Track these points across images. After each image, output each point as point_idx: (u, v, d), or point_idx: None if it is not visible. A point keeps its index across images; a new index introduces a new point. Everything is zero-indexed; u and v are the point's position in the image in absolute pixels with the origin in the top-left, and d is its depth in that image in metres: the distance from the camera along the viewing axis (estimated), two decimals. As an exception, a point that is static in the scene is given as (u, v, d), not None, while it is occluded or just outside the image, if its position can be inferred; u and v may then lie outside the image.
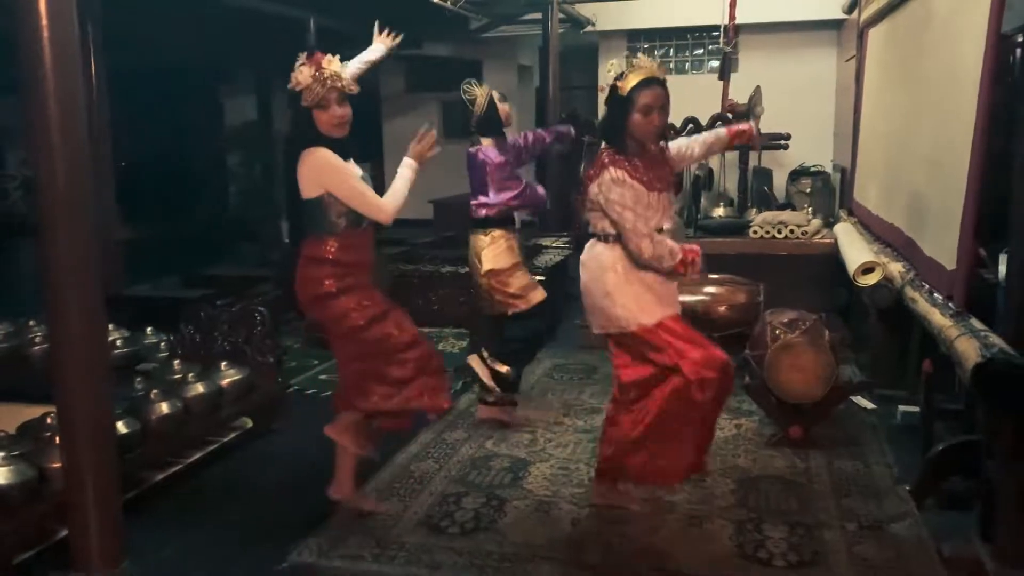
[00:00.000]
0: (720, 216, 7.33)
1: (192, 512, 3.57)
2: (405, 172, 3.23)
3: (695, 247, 3.17)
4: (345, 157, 3.17)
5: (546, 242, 7.38)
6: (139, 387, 3.91)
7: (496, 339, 4.42)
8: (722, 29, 6.31)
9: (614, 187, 3.00)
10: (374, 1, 7.63)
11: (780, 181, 8.53)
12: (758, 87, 6.44)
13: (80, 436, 2.97)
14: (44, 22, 2.76)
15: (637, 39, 9.62)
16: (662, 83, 3.02)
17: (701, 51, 9.66)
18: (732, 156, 8.27)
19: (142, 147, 9.15)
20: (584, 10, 9.31)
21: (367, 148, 10.00)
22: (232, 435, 4.20)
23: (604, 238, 3.15)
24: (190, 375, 3.97)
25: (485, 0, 8.96)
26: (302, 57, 3.11)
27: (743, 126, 3.45)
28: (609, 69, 3.07)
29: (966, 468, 3.26)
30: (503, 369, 4.29)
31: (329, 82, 3.02)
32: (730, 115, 6.39)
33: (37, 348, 4.70)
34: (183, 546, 3.28)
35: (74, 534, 3.01)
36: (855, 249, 5.02)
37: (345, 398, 3.38)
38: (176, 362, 4.20)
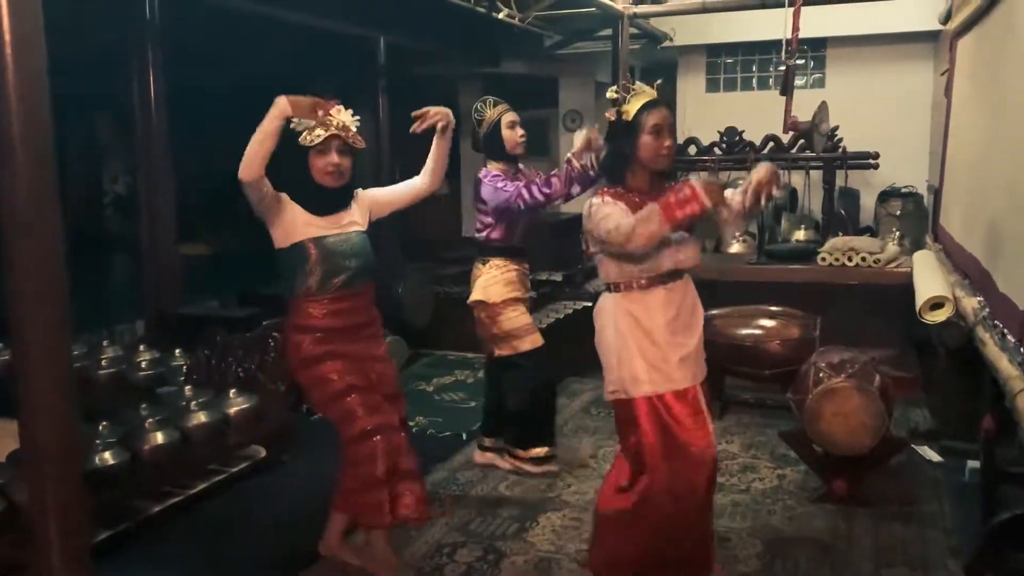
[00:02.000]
0: (800, 240, 6.86)
1: (184, 547, 3.43)
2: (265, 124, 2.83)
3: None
4: (332, 209, 2.99)
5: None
6: (143, 413, 3.78)
7: (510, 394, 3.99)
8: (784, 42, 5.86)
9: (602, 208, 2.68)
10: (445, 19, 7.56)
11: (870, 202, 7.98)
12: (823, 103, 5.98)
13: (43, 464, 2.84)
14: (7, 37, 2.67)
15: (717, 54, 9.20)
16: (667, 105, 2.73)
17: (798, 67, 9.15)
18: (817, 175, 7.78)
19: (208, 165, 9.28)
20: (662, 25, 8.95)
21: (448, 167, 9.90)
22: (241, 465, 4.05)
23: (608, 287, 2.82)
24: (193, 403, 3.84)
25: (558, 16, 8.74)
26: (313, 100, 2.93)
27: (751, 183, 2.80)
28: (610, 95, 2.76)
29: (1032, 543, 2.80)
30: (537, 453, 3.96)
31: (334, 128, 2.88)
32: (792, 132, 5.93)
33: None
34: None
35: (36, 570, 2.89)
36: (928, 280, 4.53)
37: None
38: (188, 388, 4.07)
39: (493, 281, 3.85)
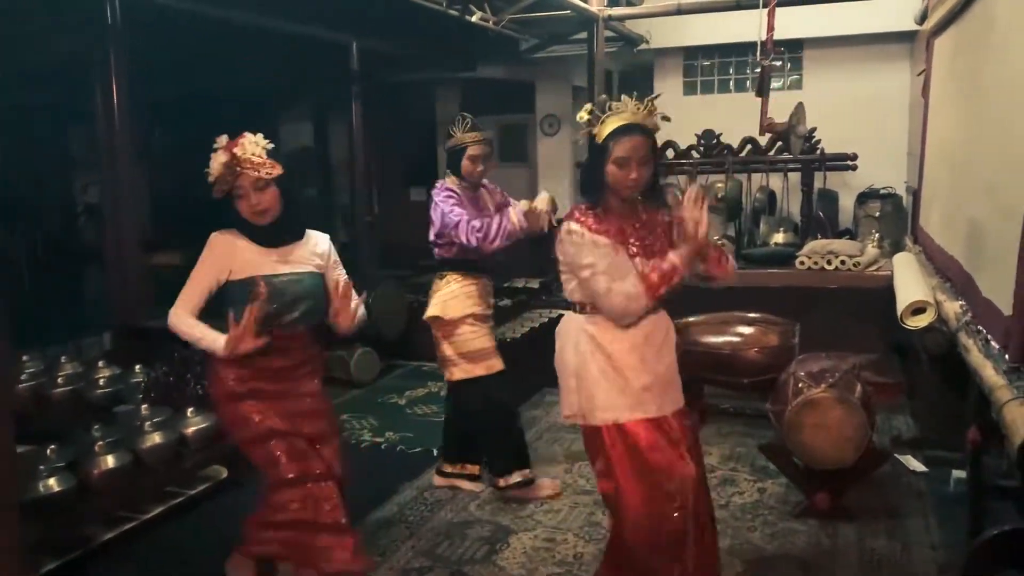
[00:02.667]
0: (779, 243, 6.75)
1: (140, 574, 3.25)
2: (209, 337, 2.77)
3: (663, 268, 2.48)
4: (278, 242, 2.82)
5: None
6: (95, 435, 3.61)
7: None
8: (759, 44, 5.77)
9: (583, 249, 2.51)
10: (419, 23, 7.42)
11: (849, 204, 7.90)
12: (800, 104, 5.88)
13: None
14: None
15: (695, 56, 9.12)
16: (644, 130, 2.50)
17: (774, 68, 9.06)
18: (795, 177, 7.70)
19: (182, 174, 9.07)
20: (638, 27, 8.86)
21: (423, 173, 9.73)
22: (201, 487, 3.88)
23: (573, 306, 2.66)
24: (148, 424, 3.66)
25: (533, 20, 8.63)
26: (221, 140, 2.76)
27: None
28: (581, 117, 2.59)
29: (1022, 560, 2.67)
30: (508, 480, 3.77)
31: (239, 169, 2.69)
32: (768, 134, 5.83)
33: (23, 385, 4.50)
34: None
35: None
36: (909, 284, 4.41)
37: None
38: (144, 407, 3.90)
39: (451, 295, 3.66)
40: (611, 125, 2.49)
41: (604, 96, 2.62)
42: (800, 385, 3.44)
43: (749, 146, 7.43)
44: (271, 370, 2.81)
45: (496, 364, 3.68)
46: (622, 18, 8.24)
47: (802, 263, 5.41)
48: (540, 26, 8.63)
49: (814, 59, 8.51)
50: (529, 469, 3.80)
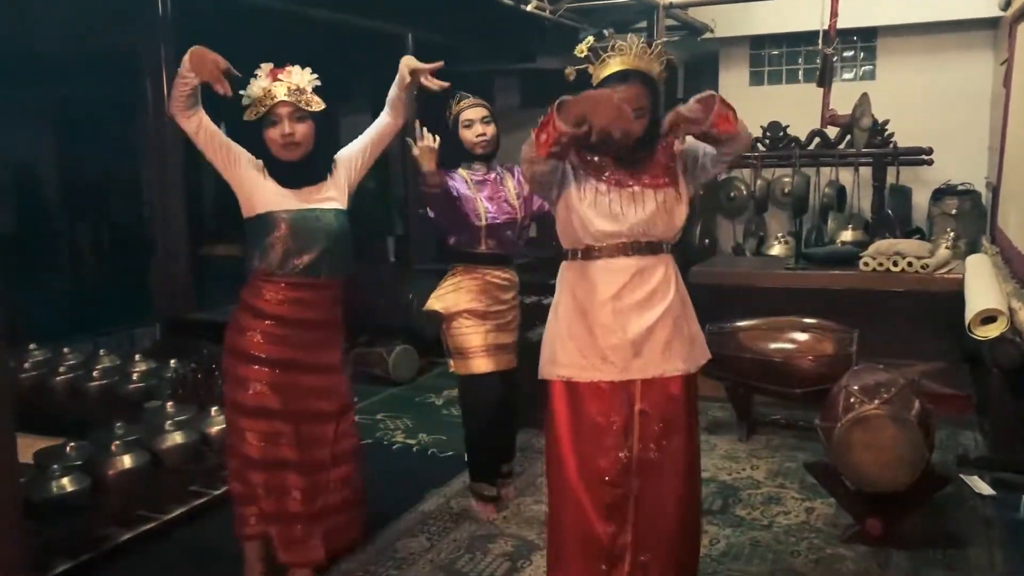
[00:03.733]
0: (847, 241, 6.42)
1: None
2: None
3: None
4: (301, 182, 2.71)
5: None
6: (117, 432, 3.55)
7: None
8: (821, 32, 5.45)
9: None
10: (475, 14, 7.27)
11: (923, 201, 7.49)
12: (864, 95, 5.54)
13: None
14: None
15: (761, 45, 8.75)
16: (644, 78, 2.29)
17: (835, 57, 8.65)
18: (866, 172, 7.32)
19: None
20: (702, 15, 8.55)
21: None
22: (225, 487, 3.78)
23: (564, 253, 2.48)
24: (169, 422, 3.59)
25: (591, 8, 8.42)
26: (264, 67, 2.68)
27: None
28: (580, 50, 2.39)
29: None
30: (480, 489, 3.61)
31: (281, 95, 2.60)
32: (830, 126, 5.50)
33: (60, 378, 4.51)
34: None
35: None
36: (980, 290, 4.09)
37: None
38: (169, 404, 3.84)
39: (447, 290, 3.48)
40: (609, 68, 2.31)
41: (610, 31, 2.42)
42: (852, 400, 3.16)
43: (818, 139, 7.09)
44: (292, 323, 2.71)
45: (487, 364, 3.42)
46: (684, 6, 7.97)
47: (866, 264, 5.07)
48: (599, 15, 8.42)
49: (889, 48, 8.08)
50: (494, 486, 3.63)
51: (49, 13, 5.67)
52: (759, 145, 7.32)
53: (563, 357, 2.36)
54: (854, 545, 3.21)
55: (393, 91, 2.90)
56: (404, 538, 3.38)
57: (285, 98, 2.62)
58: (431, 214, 3.41)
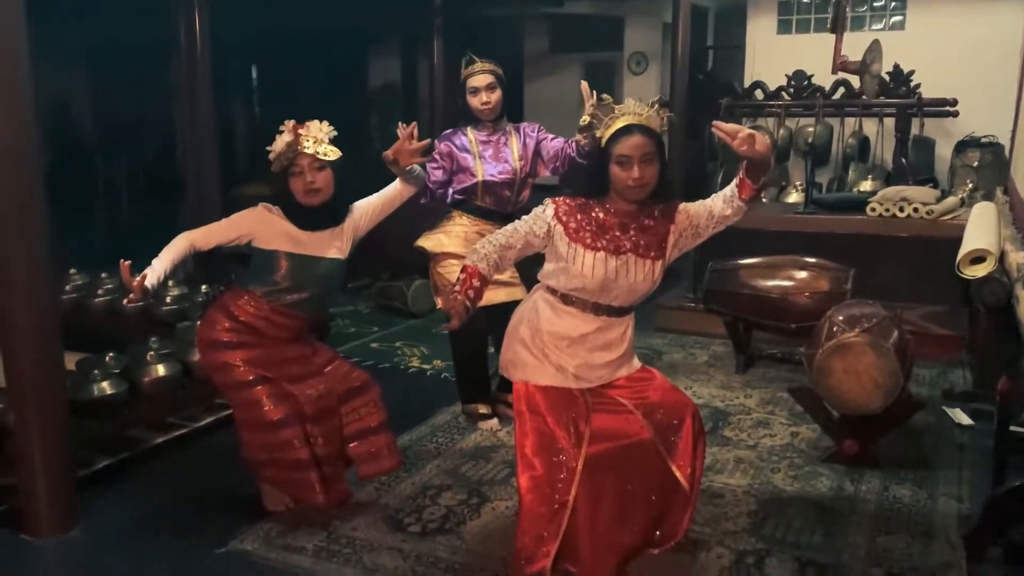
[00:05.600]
0: (866, 190, 6.49)
1: (174, 479, 3.46)
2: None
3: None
4: (318, 225, 2.94)
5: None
6: (152, 346, 3.84)
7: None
8: (836, -25, 5.48)
9: (527, 217, 2.55)
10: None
11: (947, 153, 7.50)
12: (876, 41, 5.57)
13: (27, 393, 2.92)
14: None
15: (790, -7, 8.73)
16: (647, 131, 2.44)
17: (864, 7, 8.63)
18: (890, 123, 7.35)
19: (269, 106, 9.27)
20: (732, -38, 8.55)
21: (509, 111, 9.75)
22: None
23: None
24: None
25: (621, -46, 8.45)
26: (288, 124, 2.89)
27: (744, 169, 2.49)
28: (584, 120, 2.57)
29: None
30: (473, 409, 3.93)
31: (300, 147, 2.84)
32: (841, 72, 5.56)
33: (98, 300, 4.80)
34: (146, 514, 3.17)
35: (21, 497, 2.98)
36: (976, 234, 4.21)
37: None
38: (198, 323, 4.10)
39: (437, 231, 3.76)
40: (614, 127, 2.46)
41: (606, 96, 2.57)
42: (835, 329, 3.34)
43: (842, 88, 7.12)
44: (261, 335, 2.96)
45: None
46: (712, -48, 7.97)
47: (873, 210, 5.19)
48: (628, -40, 8.43)
49: (918, -2, 8.02)
50: (487, 405, 3.92)
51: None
52: (783, 94, 7.37)
53: (523, 361, 2.59)
54: (832, 464, 3.41)
55: (393, 169, 3.07)
56: (414, 446, 3.65)
57: (306, 151, 2.84)
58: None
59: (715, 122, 2.44)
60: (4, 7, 2.72)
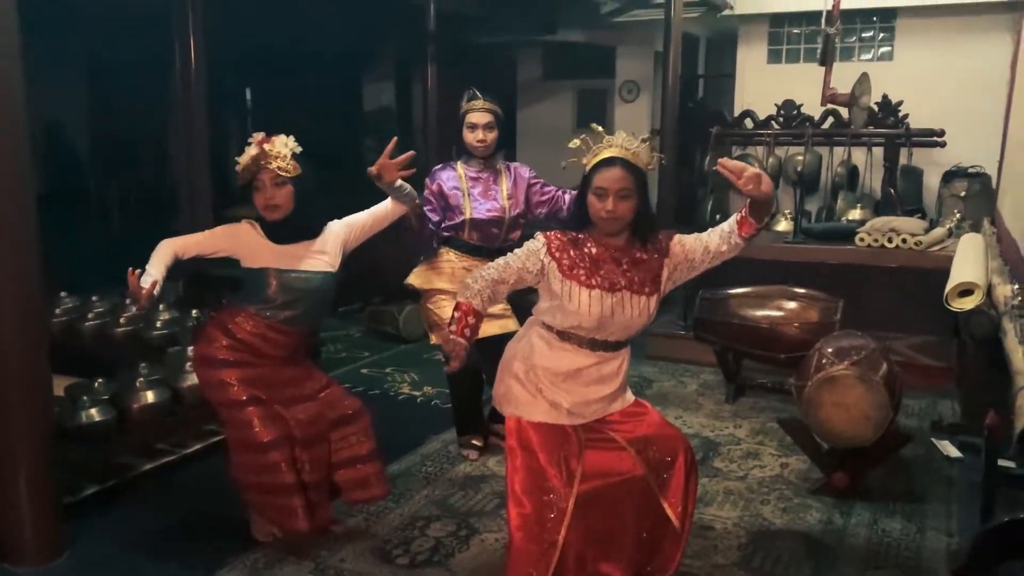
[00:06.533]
0: (855, 219, 6.54)
1: (162, 506, 3.44)
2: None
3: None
4: (288, 239, 2.93)
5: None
6: (141, 371, 3.82)
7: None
8: (824, 12, 5.56)
9: (518, 251, 2.54)
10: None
11: (935, 183, 7.57)
12: (864, 74, 5.64)
13: (12, 422, 2.90)
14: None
15: (781, 23, 8.83)
16: (629, 166, 2.43)
17: (853, 38, 8.73)
18: (879, 152, 7.41)
19: (263, 126, 9.30)
20: (722, -8, 8.64)
21: (501, 137, 9.81)
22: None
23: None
24: (189, 364, 3.85)
25: (612, -19, 8.54)
26: (256, 136, 2.90)
27: (746, 206, 2.49)
28: (575, 143, 2.56)
29: (1028, 551, 2.59)
30: (467, 440, 3.95)
31: (262, 162, 2.83)
32: (831, 104, 5.62)
33: (89, 323, 4.78)
34: (134, 541, 3.15)
35: (5, 525, 2.95)
36: (964, 266, 4.24)
37: None
38: (190, 348, 4.09)
39: (426, 268, 3.76)
40: (598, 157, 2.46)
41: (597, 126, 2.57)
42: (824, 361, 3.36)
43: (831, 118, 7.19)
44: (257, 354, 2.95)
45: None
46: (705, -19, 8.07)
47: (862, 240, 5.23)
48: (620, -12, 8.51)
49: (908, 29, 8.12)
50: (481, 437, 3.93)
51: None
52: (772, 123, 7.43)
53: (516, 397, 2.56)
54: (821, 496, 3.42)
55: (380, 185, 3.07)
56: (403, 476, 3.64)
57: (268, 166, 2.83)
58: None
59: (721, 160, 2.44)
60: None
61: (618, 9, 9.22)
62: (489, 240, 3.71)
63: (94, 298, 5.09)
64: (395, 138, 3.00)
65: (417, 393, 4.83)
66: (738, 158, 8.04)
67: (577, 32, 10.13)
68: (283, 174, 2.83)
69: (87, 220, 9.43)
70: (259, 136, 2.86)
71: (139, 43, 7.41)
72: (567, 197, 3.71)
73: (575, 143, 2.55)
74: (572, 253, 2.49)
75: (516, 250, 2.57)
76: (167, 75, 6.38)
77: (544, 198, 3.76)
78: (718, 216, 7.99)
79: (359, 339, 5.97)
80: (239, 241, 2.91)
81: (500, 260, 2.55)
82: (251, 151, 2.85)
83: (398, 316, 5.80)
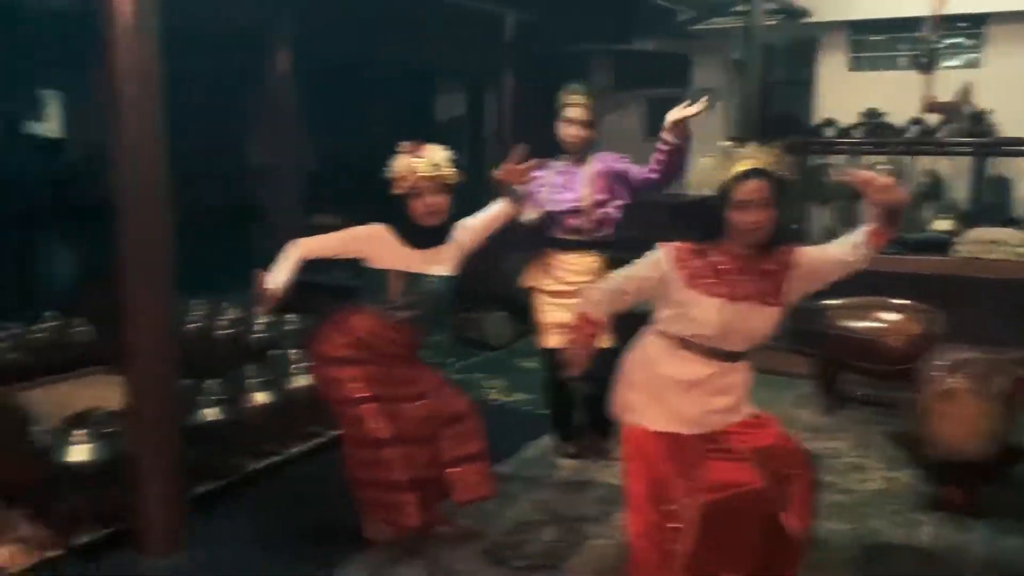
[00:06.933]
0: (942, 230, 6.42)
1: (274, 505, 3.52)
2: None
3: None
4: (432, 243, 3.02)
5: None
6: (249, 375, 3.92)
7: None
8: (928, 20, 5.47)
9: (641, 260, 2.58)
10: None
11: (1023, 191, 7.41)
12: (967, 83, 5.53)
13: (142, 418, 3.01)
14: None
15: (863, 31, 8.73)
16: (765, 174, 2.43)
17: (940, 44, 8.58)
18: (964, 161, 7.28)
19: (343, 138, 9.49)
20: (801, -1, 8.58)
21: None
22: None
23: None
24: (292, 367, 3.95)
25: (690, -10, 8.51)
26: (405, 145, 2.97)
27: (876, 219, 2.45)
28: (705, 164, 2.57)
29: None
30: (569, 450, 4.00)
31: (425, 171, 2.91)
32: (931, 112, 5.53)
33: (190, 327, 4.92)
34: (249, 540, 3.23)
35: (135, 517, 3.06)
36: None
37: None
38: (293, 351, 4.19)
39: (531, 268, 3.80)
40: (736, 169, 2.45)
41: (728, 143, 2.56)
42: (938, 373, 3.31)
43: (916, 126, 7.09)
44: (374, 351, 3.02)
45: (548, 341, 3.71)
46: (783, -11, 8.01)
47: (958, 251, 5.13)
48: (697, -4, 8.50)
49: (998, 35, 7.96)
50: (577, 445, 3.97)
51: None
52: (852, 132, 7.34)
53: (636, 404, 2.60)
54: (933, 512, 3.36)
55: (502, 190, 3.17)
56: (503, 482, 3.65)
57: (427, 173, 2.91)
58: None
59: (848, 170, 2.43)
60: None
61: (695, 17, 9.18)
62: (570, 232, 3.69)
63: (193, 302, 5.23)
64: (525, 145, 3.04)
65: (508, 399, 4.86)
66: (817, 167, 8.03)
67: (651, 41, 10.12)
68: (443, 182, 2.91)
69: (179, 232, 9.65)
70: (409, 144, 2.93)
71: (229, 59, 7.61)
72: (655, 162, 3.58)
73: (705, 163, 2.55)
74: (696, 263, 2.51)
75: (636, 261, 2.59)
76: (252, 87, 6.57)
77: (641, 177, 3.66)
78: (794, 225, 7.91)
79: (446, 346, 6.01)
80: (376, 243, 2.97)
81: (621, 271, 2.59)
82: (409, 160, 2.91)
83: (483, 324, 5.84)
